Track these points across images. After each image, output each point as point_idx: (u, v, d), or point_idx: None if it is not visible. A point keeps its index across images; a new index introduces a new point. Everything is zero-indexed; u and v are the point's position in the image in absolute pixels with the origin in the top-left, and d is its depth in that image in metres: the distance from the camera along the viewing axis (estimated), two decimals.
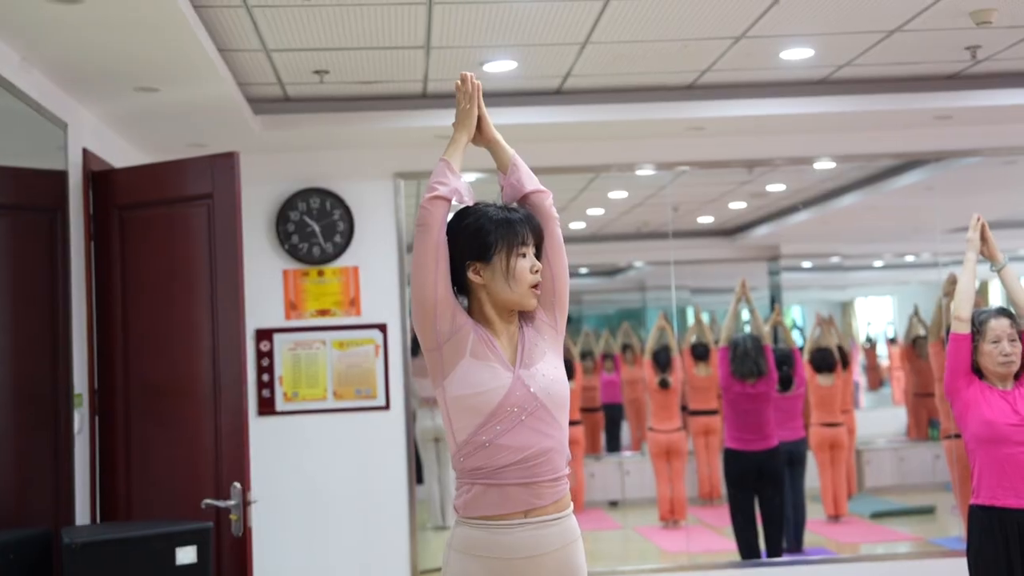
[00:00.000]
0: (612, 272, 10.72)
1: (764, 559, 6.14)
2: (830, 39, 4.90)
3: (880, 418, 10.41)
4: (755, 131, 6.09)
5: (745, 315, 7.18)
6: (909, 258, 10.56)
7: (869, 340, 11.37)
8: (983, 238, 4.24)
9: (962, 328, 4.10)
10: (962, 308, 4.12)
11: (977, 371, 4.12)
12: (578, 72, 5.27)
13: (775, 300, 9.54)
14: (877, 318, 11.56)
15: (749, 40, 4.83)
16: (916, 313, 9.89)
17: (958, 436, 5.03)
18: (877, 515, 8.20)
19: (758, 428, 6.31)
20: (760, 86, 5.62)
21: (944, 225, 6.88)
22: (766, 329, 7.42)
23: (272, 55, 4.76)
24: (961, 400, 4.12)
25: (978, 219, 4.24)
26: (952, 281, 5.86)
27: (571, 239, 9.79)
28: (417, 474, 6.26)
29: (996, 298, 9.39)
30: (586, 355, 9.83)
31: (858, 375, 11.00)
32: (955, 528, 6.58)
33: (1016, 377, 4.09)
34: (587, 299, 11.14)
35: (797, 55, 5.11)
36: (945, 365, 4.18)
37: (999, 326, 4.08)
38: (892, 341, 11.13)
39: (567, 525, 2.74)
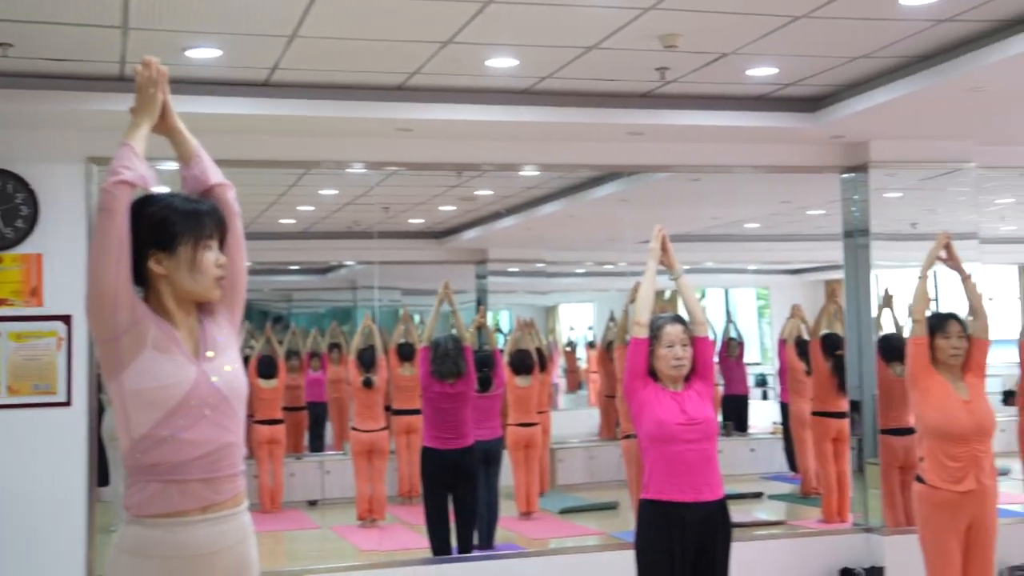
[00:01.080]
0: (323, 270, 10.63)
1: (455, 555, 6.27)
2: (533, 51, 5.08)
3: (576, 418, 10.88)
4: (463, 135, 6.22)
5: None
6: (608, 266, 11.09)
7: (570, 344, 11.86)
8: (663, 248, 4.51)
9: (641, 333, 4.36)
10: (642, 314, 4.38)
11: (653, 374, 4.38)
12: (287, 65, 5.19)
13: (481, 303, 9.77)
14: (579, 323, 12.08)
15: (456, 46, 4.92)
16: (612, 318, 10.40)
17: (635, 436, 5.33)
18: (566, 511, 8.56)
19: (455, 427, 6.44)
20: (467, 92, 5.74)
21: (636, 236, 7.29)
22: (470, 331, 7.59)
23: None
24: (638, 400, 4.37)
25: (659, 230, 4.51)
26: (637, 289, 6.21)
27: (281, 235, 9.67)
28: (102, 474, 5.94)
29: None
30: (292, 354, 9.69)
31: (558, 377, 11.45)
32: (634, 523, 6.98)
33: (686, 380, 4.38)
34: (297, 297, 10.98)
35: (502, 64, 5.26)
36: (625, 367, 4.43)
37: (674, 331, 4.35)
38: (591, 345, 11.67)
39: (243, 520, 2.70)
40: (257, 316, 10.01)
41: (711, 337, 4.51)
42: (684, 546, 4.23)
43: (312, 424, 9.80)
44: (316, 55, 5.03)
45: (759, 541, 6.61)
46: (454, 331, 6.89)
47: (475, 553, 6.43)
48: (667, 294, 8.95)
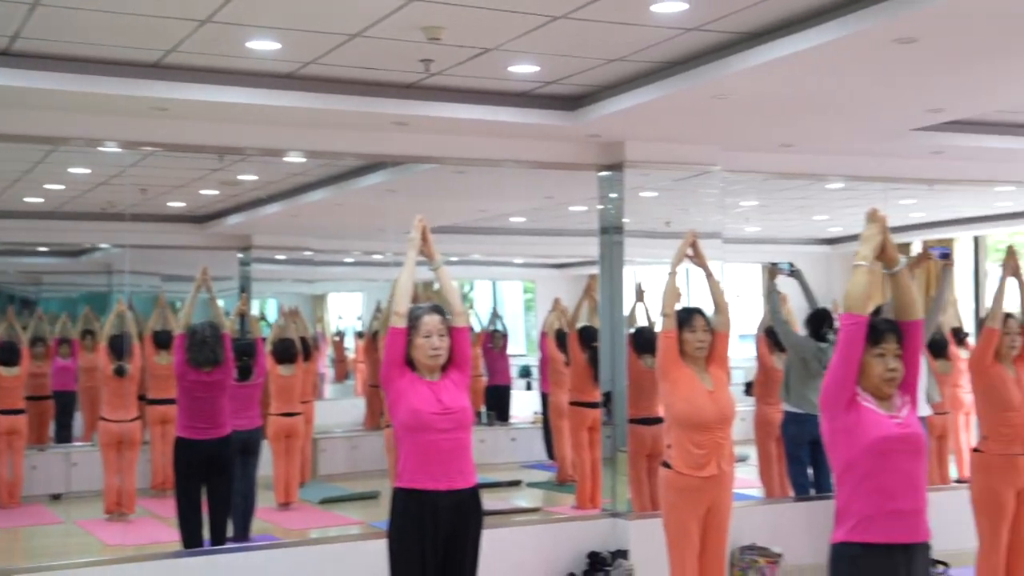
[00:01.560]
0: (76, 253, 10.12)
1: (207, 547, 6.11)
2: (296, 35, 5.00)
3: (342, 408, 10.83)
4: (224, 118, 6.05)
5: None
6: (376, 256, 11.06)
7: (339, 333, 11.77)
8: (424, 239, 4.55)
9: (399, 322, 4.38)
10: (400, 304, 4.40)
11: (411, 363, 4.41)
12: (29, 34, 4.90)
13: (244, 290, 9.55)
14: (347, 312, 12.00)
15: (215, 25, 4.78)
16: (379, 308, 10.40)
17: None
18: (326, 501, 8.51)
19: (212, 417, 6.27)
20: (228, 73, 5.59)
21: (403, 226, 7.29)
22: (231, 319, 7.41)
23: None
24: (394, 389, 4.39)
25: (420, 220, 4.55)
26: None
27: (27, 214, 9.12)
28: None
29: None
30: (38, 340, 9.18)
31: (325, 367, 11.35)
32: None
33: (443, 369, 4.43)
34: (48, 280, 10.43)
35: (263, 46, 5.15)
36: (383, 357, 4.44)
37: (431, 321, 4.39)
38: (360, 335, 11.62)
39: None
40: (1, 299, 9.45)
41: (470, 327, 4.58)
42: (436, 533, 4.29)
43: (59, 414, 9.33)
44: (63, 25, 4.77)
45: (514, 527, 6.77)
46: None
47: (229, 545, 6.29)
48: (435, 286, 9.03)
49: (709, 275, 5.23)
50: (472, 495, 4.40)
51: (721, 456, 5.05)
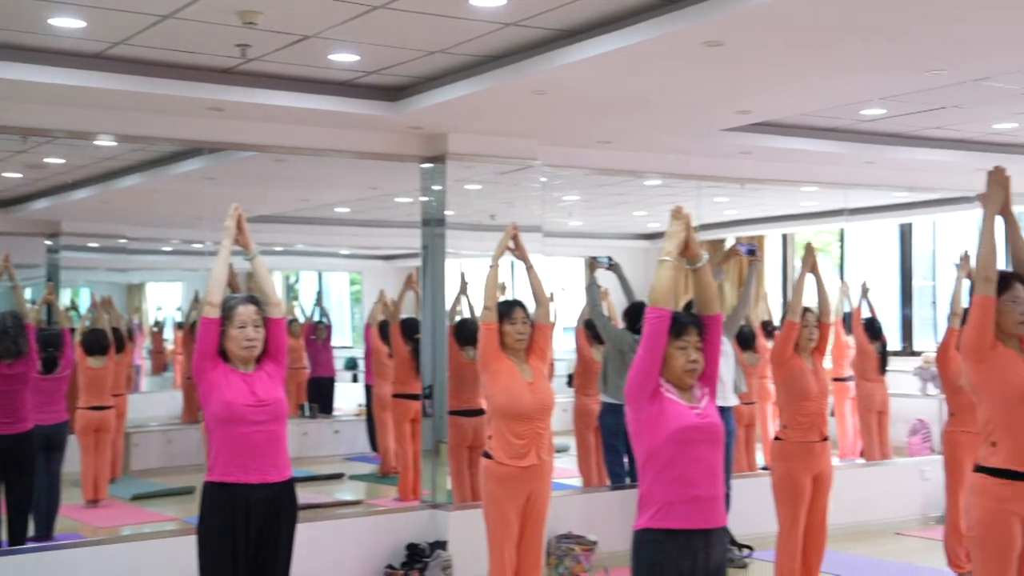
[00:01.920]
0: None
1: (4, 548, 5.83)
2: (102, 13, 4.81)
3: (159, 401, 10.49)
4: (27, 97, 5.77)
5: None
6: (196, 245, 10.75)
7: (157, 324, 11.39)
8: (239, 228, 4.45)
9: (212, 313, 4.27)
10: (213, 293, 4.29)
11: (224, 354, 4.31)
12: None
13: (51, 278, 9.12)
14: (167, 303, 11.63)
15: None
16: (198, 299, 10.12)
17: None
18: (138, 497, 8.24)
19: (13, 411, 5.99)
20: (30, 50, 5.33)
21: (223, 215, 7.11)
22: (36, 308, 7.07)
23: None
24: (206, 381, 4.29)
25: (235, 209, 4.45)
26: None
27: None
28: None
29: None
30: None
31: (141, 358, 10.96)
32: None
33: (258, 360, 4.35)
34: None
35: (67, 24, 4.93)
36: (196, 349, 4.32)
37: (246, 312, 4.31)
38: (180, 326, 11.28)
39: None
40: None
41: (288, 319, 4.51)
42: (248, 528, 4.22)
43: None
44: None
45: (334, 521, 6.71)
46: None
47: (29, 545, 6.01)
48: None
49: (530, 268, 5.29)
50: (286, 488, 4.34)
51: (541, 446, 5.12)
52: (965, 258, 6.31)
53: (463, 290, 7.44)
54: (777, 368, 5.85)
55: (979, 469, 4.14)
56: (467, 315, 7.41)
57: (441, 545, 6.60)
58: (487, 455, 5.13)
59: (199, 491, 4.34)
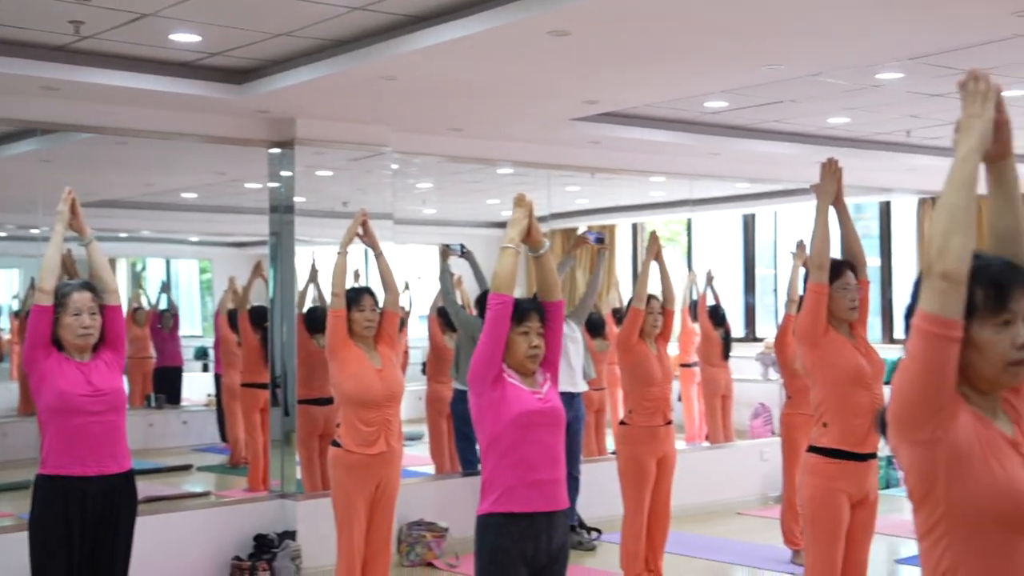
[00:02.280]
0: None
1: None
2: None
3: None
4: None
5: None
6: (33, 231, 10.33)
7: None
8: (73, 212, 4.32)
9: (45, 300, 4.17)
10: (45, 280, 4.16)
11: (59, 343, 4.18)
12: None
13: None
14: (2, 291, 11.17)
15: None
16: (33, 285, 9.72)
17: None
18: None
19: None
20: None
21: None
22: None
23: None
24: (39, 371, 4.17)
25: (68, 193, 4.34)
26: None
27: None
28: None
29: None
30: None
31: None
32: None
33: (95, 349, 4.23)
34: None
35: None
36: (26, 338, 4.17)
37: (81, 299, 4.19)
38: (16, 314, 10.82)
39: None
40: None
41: (121, 305, 4.40)
42: (84, 521, 4.11)
43: None
44: None
45: (180, 513, 6.56)
46: None
47: None
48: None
49: (379, 255, 5.26)
50: (126, 480, 4.27)
51: (390, 433, 5.11)
52: (801, 247, 6.56)
53: (313, 278, 7.35)
54: (622, 354, 5.97)
55: (811, 449, 4.33)
56: (317, 303, 7.34)
57: (290, 535, 6.52)
58: (335, 443, 5.09)
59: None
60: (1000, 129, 2.02)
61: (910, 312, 2.00)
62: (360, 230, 5.21)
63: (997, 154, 2.07)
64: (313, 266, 7.40)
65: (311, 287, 7.42)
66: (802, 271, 6.01)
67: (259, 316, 7.87)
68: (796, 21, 4.87)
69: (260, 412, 8.02)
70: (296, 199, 6.87)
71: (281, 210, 6.93)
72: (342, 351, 5.06)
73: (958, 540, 1.94)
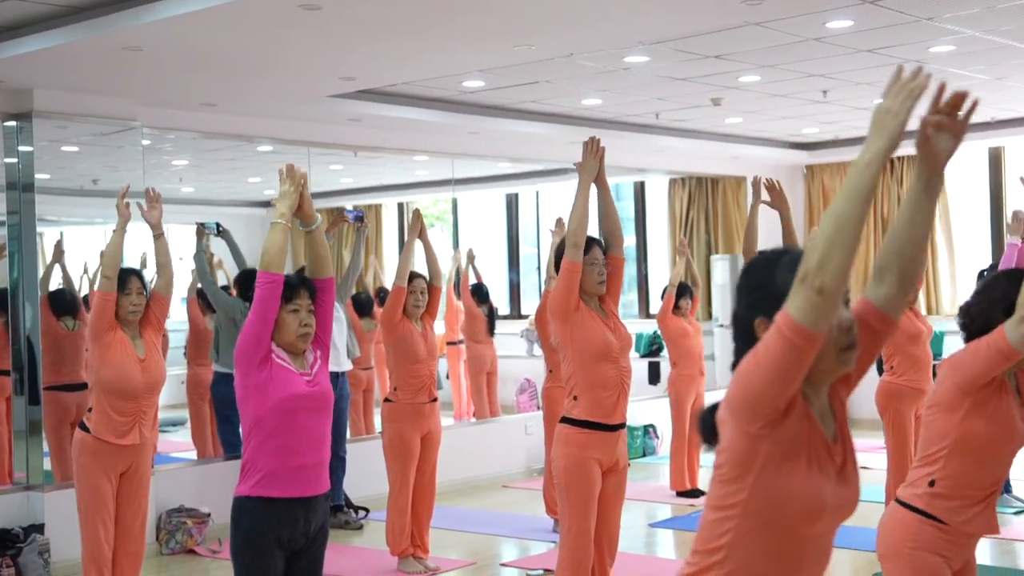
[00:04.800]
0: None
1: None
2: None
3: None
4: None
5: None
6: None
7: None
8: None
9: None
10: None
11: None
12: None
13: None
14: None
15: None
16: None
17: None
18: None
19: None
20: None
21: None
22: None
23: None
24: None
25: None
26: None
27: None
28: None
29: None
30: None
31: None
32: None
33: None
34: None
35: None
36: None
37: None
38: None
39: None
40: None
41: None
42: None
43: None
44: None
45: None
46: None
47: None
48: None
49: (159, 236, 4.96)
50: None
51: (144, 424, 4.90)
52: (559, 224, 6.74)
53: (57, 258, 6.98)
54: (386, 332, 5.98)
55: (564, 420, 4.48)
56: (62, 285, 6.98)
57: (38, 528, 6.19)
58: (84, 427, 4.84)
59: None
60: (936, 140, 1.94)
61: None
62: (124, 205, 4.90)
63: (930, 171, 2.00)
64: (58, 246, 7.03)
65: (56, 268, 7.04)
66: None
67: None
68: (545, 1, 4.98)
69: (5, 400, 7.55)
70: (38, 176, 6.48)
71: (20, 187, 6.51)
72: (106, 336, 4.77)
73: (749, 524, 1.96)
